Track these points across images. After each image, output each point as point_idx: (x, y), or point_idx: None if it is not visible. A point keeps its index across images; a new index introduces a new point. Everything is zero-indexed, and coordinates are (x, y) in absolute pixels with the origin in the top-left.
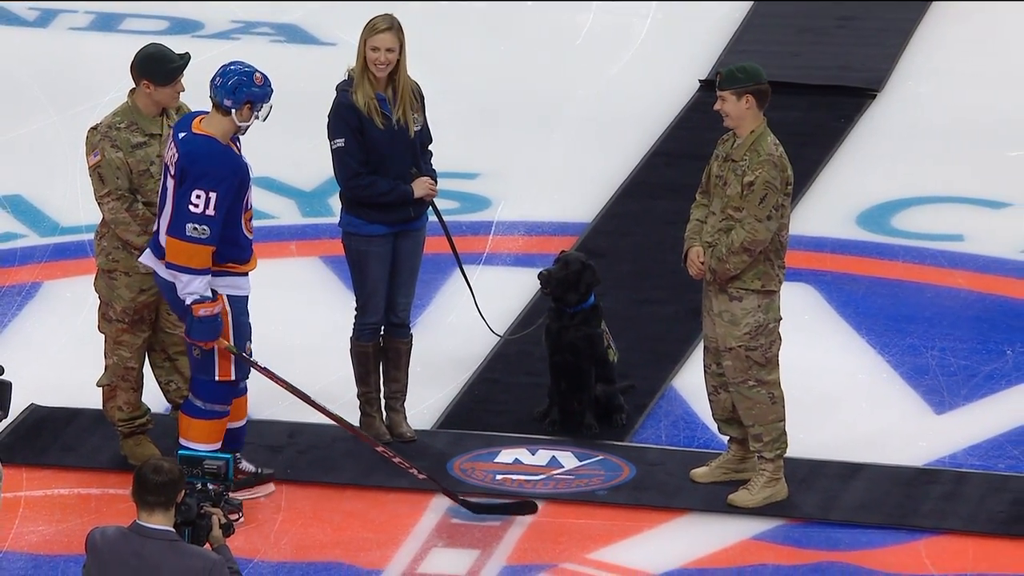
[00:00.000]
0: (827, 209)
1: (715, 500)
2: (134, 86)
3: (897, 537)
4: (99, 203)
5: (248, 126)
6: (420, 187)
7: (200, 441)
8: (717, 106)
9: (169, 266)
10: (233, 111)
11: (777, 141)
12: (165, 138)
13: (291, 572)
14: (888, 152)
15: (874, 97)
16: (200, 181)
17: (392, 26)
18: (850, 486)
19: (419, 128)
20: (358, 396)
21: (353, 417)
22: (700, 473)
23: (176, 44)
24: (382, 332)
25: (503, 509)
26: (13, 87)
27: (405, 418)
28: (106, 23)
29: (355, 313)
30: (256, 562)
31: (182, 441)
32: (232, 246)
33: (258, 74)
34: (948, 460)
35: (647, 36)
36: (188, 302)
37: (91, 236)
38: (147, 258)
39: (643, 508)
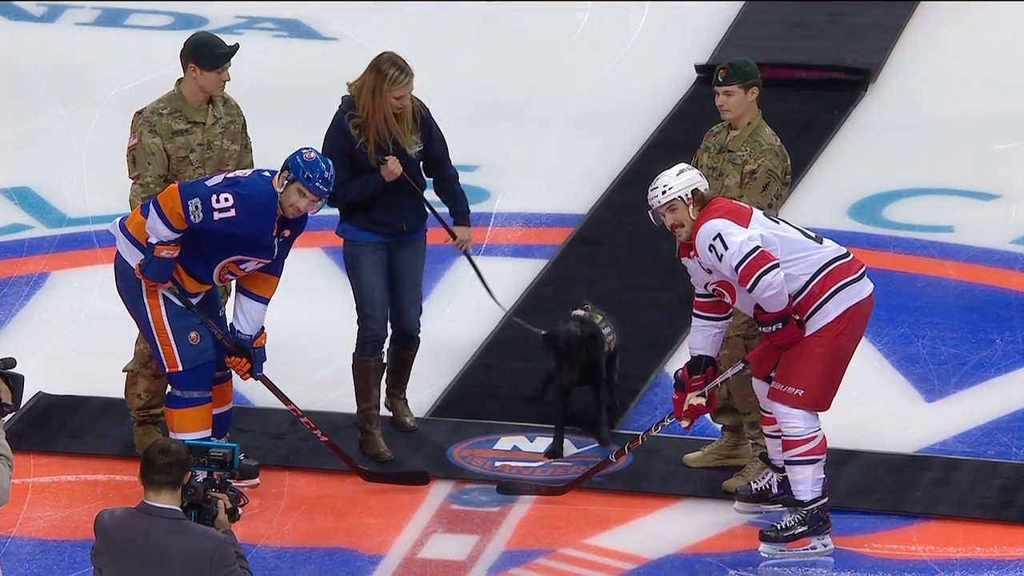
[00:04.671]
0: (820, 200)
1: (710, 486)
2: (182, 75)
3: (889, 522)
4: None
5: (280, 192)
6: (386, 173)
7: (187, 430)
8: (720, 101)
9: (154, 202)
10: (277, 173)
11: (774, 132)
12: (209, 126)
13: (294, 557)
14: (879, 145)
15: (866, 88)
16: (237, 194)
17: (409, 71)
18: (842, 472)
19: (419, 149)
20: (357, 413)
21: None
22: (693, 458)
23: (181, 39)
24: (390, 342)
25: (395, 478)
26: (21, 81)
27: (407, 405)
28: (112, 18)
29: (357, 326)
30: (259, 547)
31: (173, 435)
32: (202, 268)
33: (312, 154)
34: (939, 447)
35: (643, 32)
36: (152, 240)
37: (97, 227)
38: (113, 228)
39: (639, 494)
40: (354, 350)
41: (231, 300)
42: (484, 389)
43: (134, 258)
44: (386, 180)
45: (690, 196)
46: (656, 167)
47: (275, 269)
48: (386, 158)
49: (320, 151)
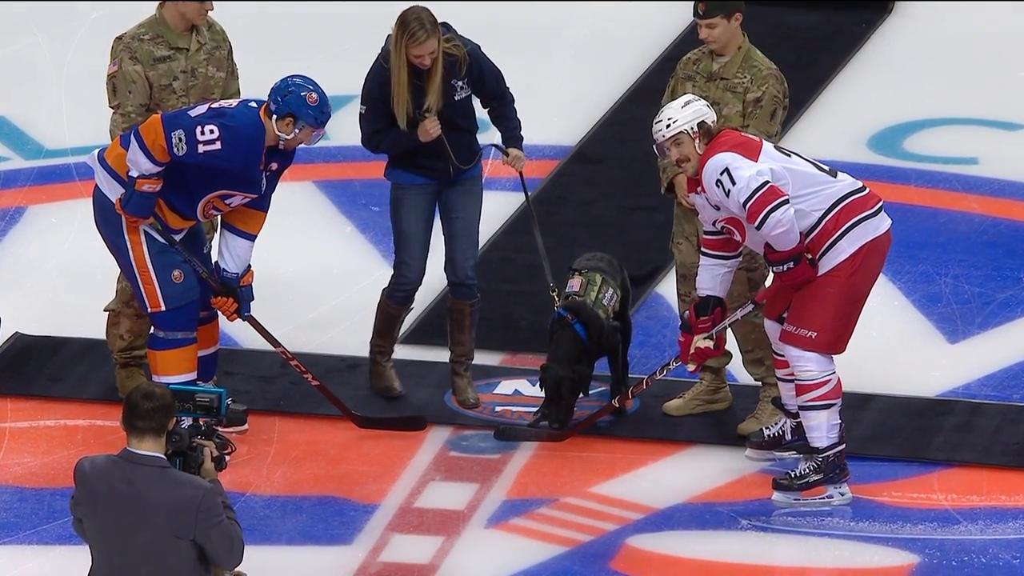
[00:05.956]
0: (838, 131)
1: (720, 433)
2: None
3: (909, 470)
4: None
5: (286, 139)
6: (421, 132)
7: (172, 373)
8: (704, 34)
9: (135, 134)
10: (275, 117)
11: (764, 55)
12: (193, 53)
13: (284, 506)
14: (900, 74)
15: (890, 10)
16: (223, 126)
17: (431, 31)
18: (861, 417)
19: (465, 95)
20: (371, 343)
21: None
22: (674, 406)
23: None
24: (448, 294)
25: (391, 424)
26: None
27: (471, 383)
28: None
29: (392, 271)
30: (248, 496)
31: (156, 378)
32: (186, 203)
33: (314, 95)
34: (962, 390)
35: None
36: (134, 174)
37: (76, 159)
38: (91, 160)
39: (646, 441)
40: (384, 289)
41: (216, 237)
42: None
43: (114, 192)
44: (421, 140)
45: (696, 129)
46: (666, 82)
47: (262, 204)
48: (425, 115)
49: (317, 85)
